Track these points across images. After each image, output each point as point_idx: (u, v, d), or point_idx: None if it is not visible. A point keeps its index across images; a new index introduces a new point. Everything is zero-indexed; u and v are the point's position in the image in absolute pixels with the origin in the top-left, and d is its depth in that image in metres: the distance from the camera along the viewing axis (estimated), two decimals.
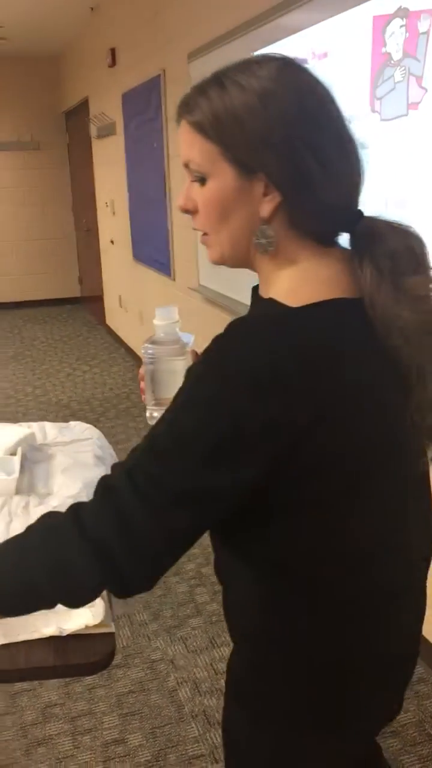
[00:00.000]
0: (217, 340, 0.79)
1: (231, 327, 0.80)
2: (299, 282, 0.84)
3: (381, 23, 2.14)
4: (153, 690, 2.31)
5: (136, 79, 4.90)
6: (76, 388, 5.50)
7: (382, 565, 0.90)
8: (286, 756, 0.97)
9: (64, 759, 2.05)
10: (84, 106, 6.81)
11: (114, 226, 6.34)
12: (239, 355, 0.76)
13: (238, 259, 0.90)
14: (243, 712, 1.01)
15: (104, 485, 0.82)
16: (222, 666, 2.40)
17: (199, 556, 3.08)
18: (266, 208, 0.82)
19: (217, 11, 3.42)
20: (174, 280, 4.73)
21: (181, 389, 0.81)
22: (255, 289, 0.96)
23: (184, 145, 0.87)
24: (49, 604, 0.85)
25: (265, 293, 0.89)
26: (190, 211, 0.89)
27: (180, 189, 3.87)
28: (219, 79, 0.83)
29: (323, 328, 0.80)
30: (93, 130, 6.50)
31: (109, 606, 1.04)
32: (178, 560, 0.85)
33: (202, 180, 0.86)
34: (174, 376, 1.08)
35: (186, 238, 4.32)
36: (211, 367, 0.78)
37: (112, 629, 1.02)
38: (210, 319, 3.99)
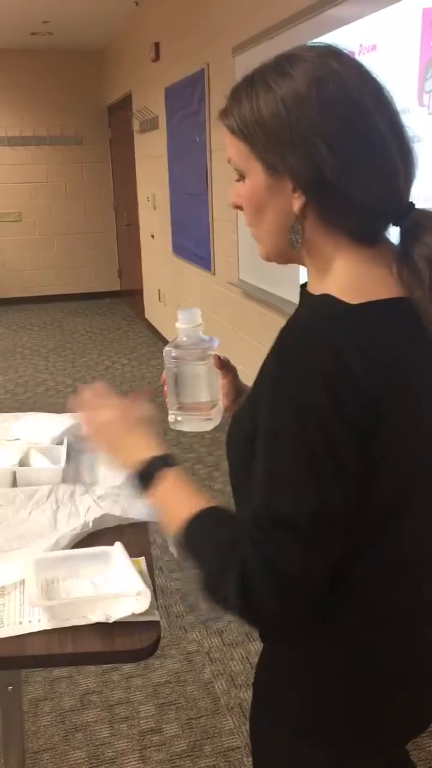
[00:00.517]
0: (286, 344, 0.80)
1: (295, 328, 0.81)
2: (351, 279, 0.84)
3: (431, 16, 2.12)
4: (189, 681, 2.32)
5: (180, 74, 4.91)
6: (115, 381, 5.54)
7: (429, 576, 0.89)
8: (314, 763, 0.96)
9: (101, 746, 2.07)
10: (127, 100, 6.85)
11: (155, 220, 6.36)
12: (311, 358, 0.77)
13: (282, 254, 0.91)
14: (272, 720, 1.00)
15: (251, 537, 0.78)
16: (257, 660, 2.40)
17: None
18: (296, 204, 0.84)
19: (263, 4, 3.41)
20: (214, 274, 4.74)
21: (261, 400, 0.81)
22: (303, 286, 0.96)
23: (228, 145, 0.90)
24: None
25: (315, 289, 0.88)
26: (240, 207, 0.91)
27: (221, 183, 3.86)
28: (251, 81, 0.85)
29: (383, 327, 0.80)
30: (135, 125, 6.54)
31: (154, 595, 1.05)
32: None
33: (242, 177, 0.89)
34: (196, 380, 1.08)
35: (227, 232, 4.32)
36: (286, 371, 0.78)
37: (157, 618, 1.03)
38: (249, 314, 3.99)
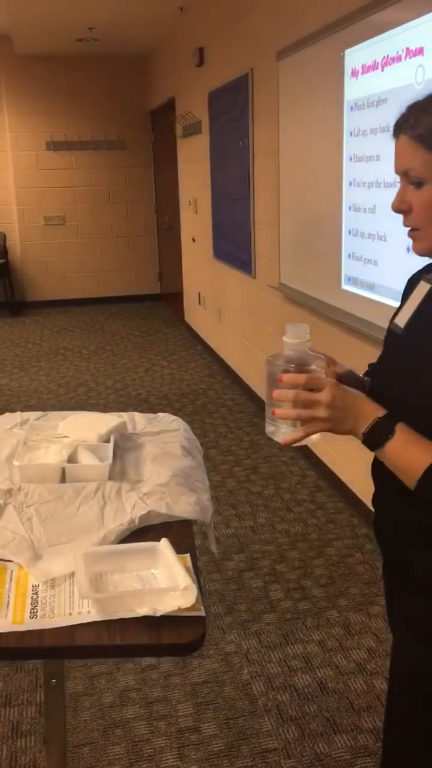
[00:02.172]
0: None
1: None
2: None
3: None
4: (227, 682, 2.34)
5: (223, 78, 4.95)
6: (155, 383, 5.59)
7: None
8: None
9: (140, 742, 2.10)
10: (170, 105, 6.91)
11: (196, 224, 6.41)
12: None
13: None
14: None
15: None
16: (295, 663, 2.41)
17: (274, 553, 3.09)
18: None
19: (306, 10, 3.42)
20: (255, 277, 4.75)
21: None
22: (411, 279, 1.11)
23: (405, 155, 1.02)
24: None
25: None
26: (404, 211, 1.06)
27: (264, 187, 3.86)
28: None
29: None
30: (178, 129, 6.59)
31: (200, 591, 1.07)
32: None
33: (419, 184, 1.02)
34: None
35: (269, 236, 4.33)
36: None
37: (202, 613, 1.04)
38: (290, 317, 3.99)
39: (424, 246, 1.08)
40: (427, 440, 1.03)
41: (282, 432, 1.10)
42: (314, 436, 1.09)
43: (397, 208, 1.06)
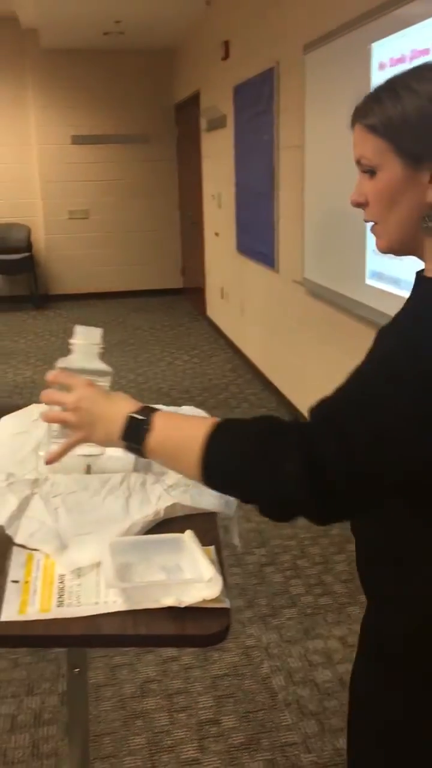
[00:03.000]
0: (419, 331, 0.87)
1: (423, 319, 0.88)
2: None
3: None
4: (247, 675, 2.34)
5: (249, 72, 4.93)
6: (176, 377, 5.60)
7: None
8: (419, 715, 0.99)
9: (160, 733, 2.11)
10: (195, 99, 6.90)
11: (219, 218, 6.40)
12: None
13: (406, 246, 0.97)
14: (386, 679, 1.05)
15: (324, 415, 0.88)
16: (316, 658, 2.41)
17: (295, 548, 3.09)
18: (430, 194, 0.90)
19: (334, 2, 3.39)
20: (278, 272, 4.74)
21: (377, 364, 0.89)
22: (420, 273, 1.01)
23: (357, 144, 0.95)
24: (246, 498, 0.92)
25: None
26: (362, 204, 0.97)
27: (288, 181, 3.85)
28: (392, 86, 0.92)
29: None
30: (203, 123, 6.58)
31: (225, 583, 1.07)
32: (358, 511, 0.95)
33: (372, 173, 0.94)
34: None
35: (293, 230, 4.31)
36: (410, 361, 0.84)
37: (227, 605, 1.04)
38: (313, 312, 3.98)
39: (384, 242, 0.98)
40: (188, 416, 0.97)
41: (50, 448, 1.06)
42: (71, 443, 1.03)
43: (355, 201, 0.98)
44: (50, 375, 1.05)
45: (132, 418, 0.98)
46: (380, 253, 1.01)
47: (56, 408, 1.05)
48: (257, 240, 5.16)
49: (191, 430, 0.94)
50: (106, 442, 1.02)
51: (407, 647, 1.00)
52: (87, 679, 1.50)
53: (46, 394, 1.05)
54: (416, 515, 0.93)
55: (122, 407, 1.00)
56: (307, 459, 0.84)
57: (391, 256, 1.00)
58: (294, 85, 4.03)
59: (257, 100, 4.80)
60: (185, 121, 7.71)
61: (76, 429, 1.03)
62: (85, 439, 1.03)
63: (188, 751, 2.05)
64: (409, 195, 0.92)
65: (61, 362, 1.10)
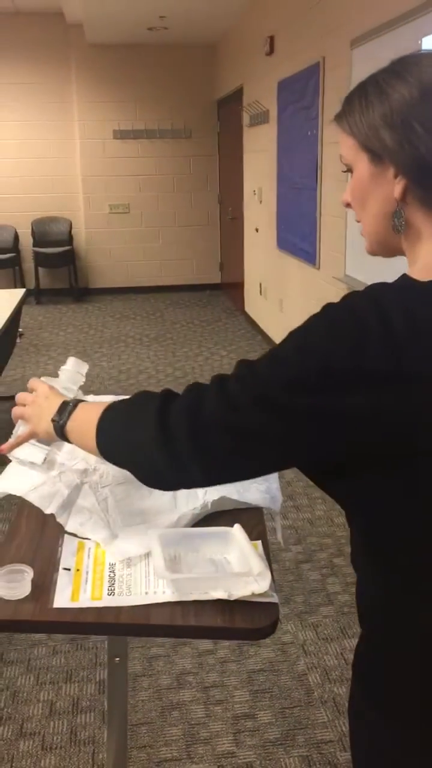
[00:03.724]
0: (345, 296, 0.85)
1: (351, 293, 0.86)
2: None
3: None
4: (283, 671, 2.34)
5: (294, 67, 4.90)
6: (214, 372, 5.59)
7: None
8: (413, 749, 0.96)
9: (196, 725, 2.12)
10: (238, 94, 6.89)
11: (260, 214, 6.38)
12: (354, 306, 0.82)
13: (384, 245, 0.94)
14: (370, 703, 1.03)
15: (197, 384, 0.92)
16: (352, 657, 2.39)
17: (332, 546, 3.08)
18: (397, 188, 0.87)
19: None
20: (318, 269, 4.72)
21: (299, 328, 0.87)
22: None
23: (340, 143, 0.95)
24: (136, 473, 0.95)
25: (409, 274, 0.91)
26: (349, 204, 0.96)
27: (332, 177, 3.81)
28: (364, 85, 0.90)
29: None
30: (246, 119, 6.57)
31: (273, 578, 1.07)
32: (239, 477, 0.91)
33: (350, 171, 0.94)
34: None
35: (335, 227, 4.29)
36: (329, 311, 0.84)
37: (275, 599, 1.05)
38: None
39: (367, 243, 0.95)
40: (104, 402, 1.03)
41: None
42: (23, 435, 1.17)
43: (343, 200, 0.97)
44: (29, 382, 1.20)
45: (64, 403, 1.09)
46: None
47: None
48: (298, 236, 5.13)
49: (95, 413, 1.01)
50: (47, 433, 1.12)
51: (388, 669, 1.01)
52: (127, 669, 1.51)
53: (19, 394, 1.20)
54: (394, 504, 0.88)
55: (61, 401, 1.11)
56: (161, 418, 0.89)
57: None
58: (340, 80, 3.99)
59: (302, 96, 4.77)
60: (227, 116, 7.71)
61: (28, 422, 1.16)
62: (33, 431, 1.15)
63: (224, 744, 2.06)
64: (378, 191, 0.90)
65: (45, 379, 1.25)
